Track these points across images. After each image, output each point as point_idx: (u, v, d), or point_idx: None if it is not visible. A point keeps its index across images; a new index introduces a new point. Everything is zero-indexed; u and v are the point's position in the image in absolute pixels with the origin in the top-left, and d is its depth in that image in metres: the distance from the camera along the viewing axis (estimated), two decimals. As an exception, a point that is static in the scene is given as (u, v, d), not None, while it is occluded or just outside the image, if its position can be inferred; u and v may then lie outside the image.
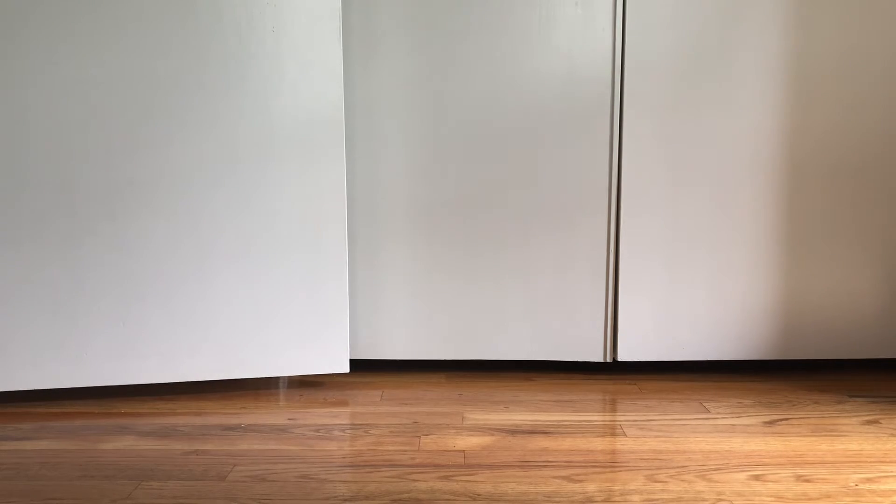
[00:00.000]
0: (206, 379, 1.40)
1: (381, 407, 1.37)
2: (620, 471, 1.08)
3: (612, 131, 1.48)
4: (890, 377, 1.55)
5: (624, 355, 1.54)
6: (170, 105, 1.33)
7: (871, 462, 1.11)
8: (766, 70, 1.47)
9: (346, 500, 0.99)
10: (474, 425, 1.27)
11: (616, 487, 1.03)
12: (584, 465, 1.10)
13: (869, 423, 1.28)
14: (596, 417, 1.32)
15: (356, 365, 1.57)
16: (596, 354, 1.55)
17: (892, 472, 1.08)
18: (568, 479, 1.05)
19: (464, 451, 1.16)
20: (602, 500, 0.99)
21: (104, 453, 1.16)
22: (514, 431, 1.24)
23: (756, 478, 1.06)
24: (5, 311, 1.33)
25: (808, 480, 1.05)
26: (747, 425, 1.27)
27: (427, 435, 1.23)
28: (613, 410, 1.36)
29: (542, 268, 1.52)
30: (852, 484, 1.04)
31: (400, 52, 1.47)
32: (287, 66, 1.35)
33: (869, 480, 1.05)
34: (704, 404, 1.38)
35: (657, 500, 0.99)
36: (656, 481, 1.04)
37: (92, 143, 1.32)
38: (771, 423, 1.28)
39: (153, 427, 1.27)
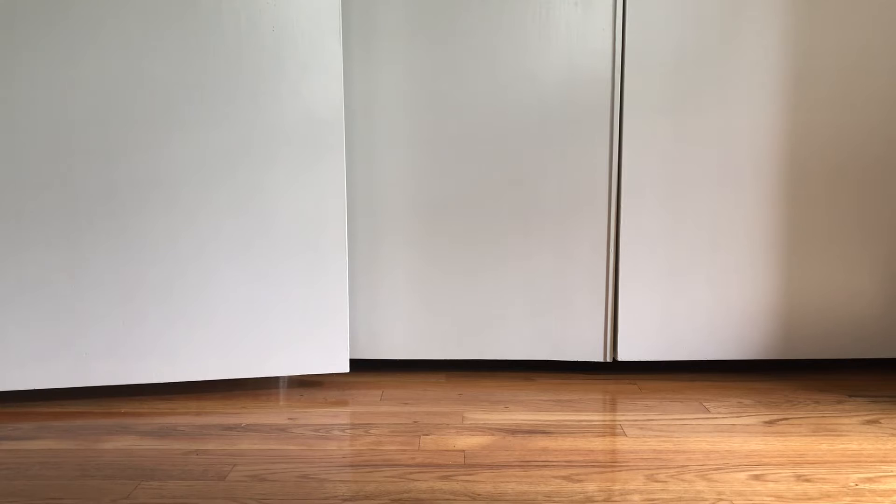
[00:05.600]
0: (206, 379, 1.40)
1: (381, 407, 1.37)
2: (620, 471, 1.08)
3: (612, 131, 1.48)
4: (890, 377, 1.55)
5: (624, 355, 1.54)
6: (169, 105, 1.33)
7: (871, 462, 1.11)
8: (767, 69, 1.47)
9: (345, 499, 0.99)
10: (474, 425, 1.27)
11: (616, 487, 1.03)
12: (584, 464, 1.10)
13: (869, 422, 1.28)
14: (596, 417, 1.32)
15: (356, 365, 1.57)
16: (596, 354, 1.55)
17: (892, 471, 1.08)
18: (568, 478, 1.05)
19: (464, 450, 1.16)
20: (602, 500, 0.99)
21: (104, 453, 1.16)
22: (514, 431, 1.24)
23: (756, 477, 1.06)
24: (5, 310, 1.33)
25: (808, 480, 1.05)
26: (747, 425, 1.27)
27: (427, 435, 1.23)
28: (613, 410, 1.36)
29: (542, 267, 1.52)
30: (852, 484, 1.04)
31: (400, 52, 1.47)
32: (287, 66, 1.35)
33: (869, 480, 1.05)
34: (704, 404, 1.38)
35: (657, 499, 0.99)
36: (656, 481, 1.04)
37: (91, 143, 1.32)
38: (771, 422, 1.28)
39: (153, 427, 1.27)
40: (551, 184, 1.50)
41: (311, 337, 1.42)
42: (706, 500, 0.99)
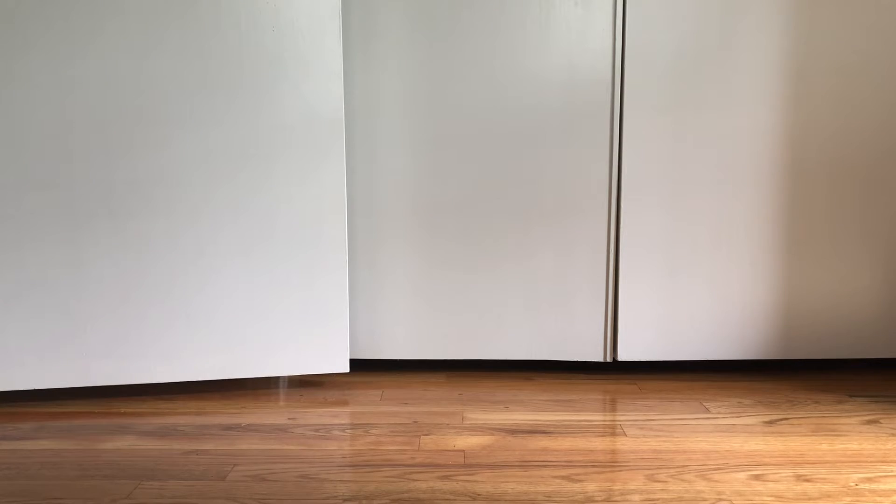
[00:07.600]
0: (206, 379, 1.40)
1: (381, 407, 1.37)
2: (620, 470, 1.08)
3: (612, 131, 1.48)
4: (890, 377, 1.55)
5: (624, 355, 1.54)
6: (170, 105, 1.33)
7: (871, 462, 1.11)
8: (767, 69, 1.47)
9: (346, 499, 0.99)
10: (474, 425, 1.27)
11: (616, 487, 1.03)
12: (584, 464, 1.10)
13: (869, 422, 1.28)
14: (596, 417, 1.32)
15: (356, 365, 1.57)
16: (596, 354, 1.55)
17: (892, 471, 1.08)
18: (568, 478, 1.05)
19: (464, 450, 1.16)
20: (602, 500, 0.99)
21: (104, 453, 1.16)
22: (514, 431, 1.24)
23: (756, 477, 1.06)
24: (6, 310, 1.33)
25: (808, 480, 1.05)
26: (747, 425, 1.27)
27: (427, 435, 1.23)
28: (613, 410, 1.36)
29: (543, 267, 1.52)
30: (852, 484, 1.04)
31: (400, 52, 1.47)
32: (287, 65, 1.35)
33: (869, 480, 1.05)
34: (704, 404, 1.38)
35: (657, 499, 0.99)
36: (656, 481, 1.04)
37: (92, 143, 1.32)
38: (771, 422, 1.28)
39: (153, 427, 1.27)
40: (551, 184, 1.50)
41: (311, 337, 1.42)
42: (706, 500, 0.99)
